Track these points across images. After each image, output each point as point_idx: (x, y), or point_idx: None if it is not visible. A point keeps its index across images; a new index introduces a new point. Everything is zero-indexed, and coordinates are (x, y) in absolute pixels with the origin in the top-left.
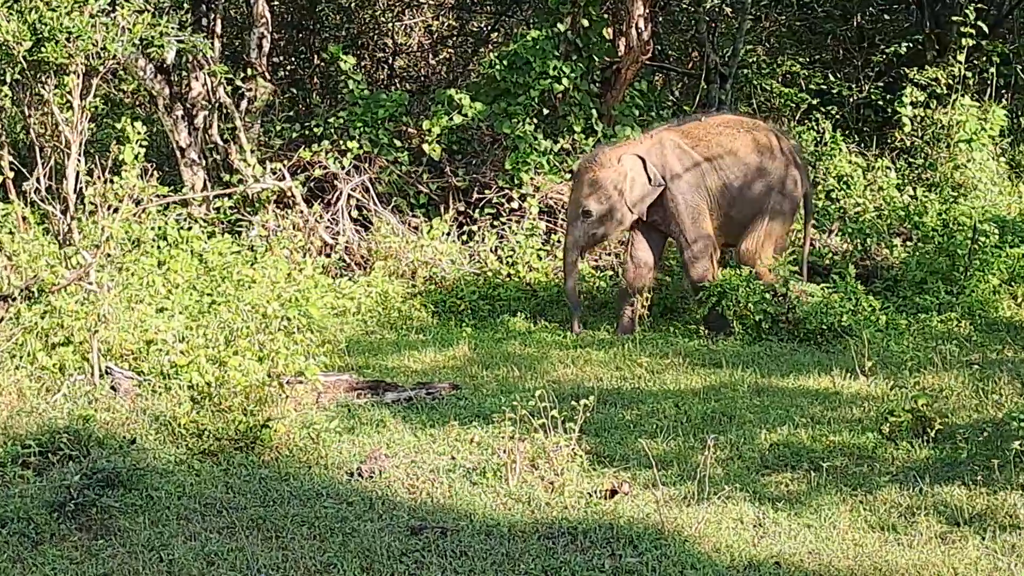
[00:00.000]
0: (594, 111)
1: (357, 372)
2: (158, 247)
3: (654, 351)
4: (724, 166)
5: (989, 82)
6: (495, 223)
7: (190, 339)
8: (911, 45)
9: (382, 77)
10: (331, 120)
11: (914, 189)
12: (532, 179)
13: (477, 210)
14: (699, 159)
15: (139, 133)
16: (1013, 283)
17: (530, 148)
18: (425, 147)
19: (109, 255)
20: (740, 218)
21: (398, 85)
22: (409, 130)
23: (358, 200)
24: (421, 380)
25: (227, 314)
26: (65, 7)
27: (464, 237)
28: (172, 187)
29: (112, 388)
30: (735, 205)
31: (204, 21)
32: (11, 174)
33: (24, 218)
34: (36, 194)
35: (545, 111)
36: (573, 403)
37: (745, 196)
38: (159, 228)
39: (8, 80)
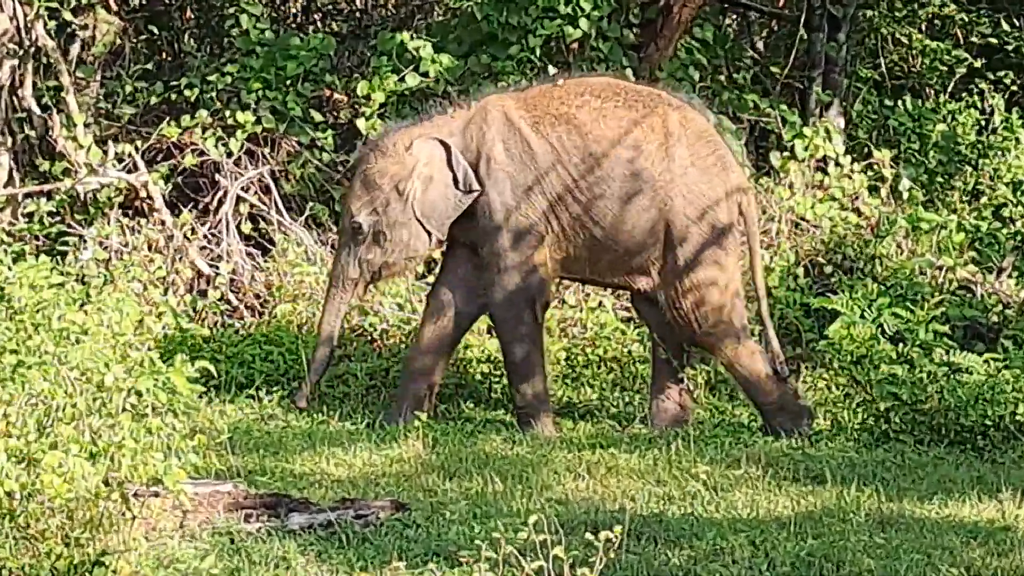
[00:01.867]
0: (629, 71)
1: (246, 480)
2: None
3: (717, 455)
4: (573, 157)
5: None
6: None
7: None
8: None
9: (293, 11)
10: (212, 78)
11: None
12: None
13: None
14: (539, 144)
15: None
16: None
17: None
18: (360, 123)
19: None
20: (607, 246)
21: (319, 25)
22: (336, 96)
23: (253, 206)
24: (347, 495)
25: (42, 383)
26: None
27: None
28: None
29: None
30: (596, 224)
31: None
32: None
33: None
34: None
35: (552, 69)
36: (588, 536)
37: (612, 212)
38: None
39: None
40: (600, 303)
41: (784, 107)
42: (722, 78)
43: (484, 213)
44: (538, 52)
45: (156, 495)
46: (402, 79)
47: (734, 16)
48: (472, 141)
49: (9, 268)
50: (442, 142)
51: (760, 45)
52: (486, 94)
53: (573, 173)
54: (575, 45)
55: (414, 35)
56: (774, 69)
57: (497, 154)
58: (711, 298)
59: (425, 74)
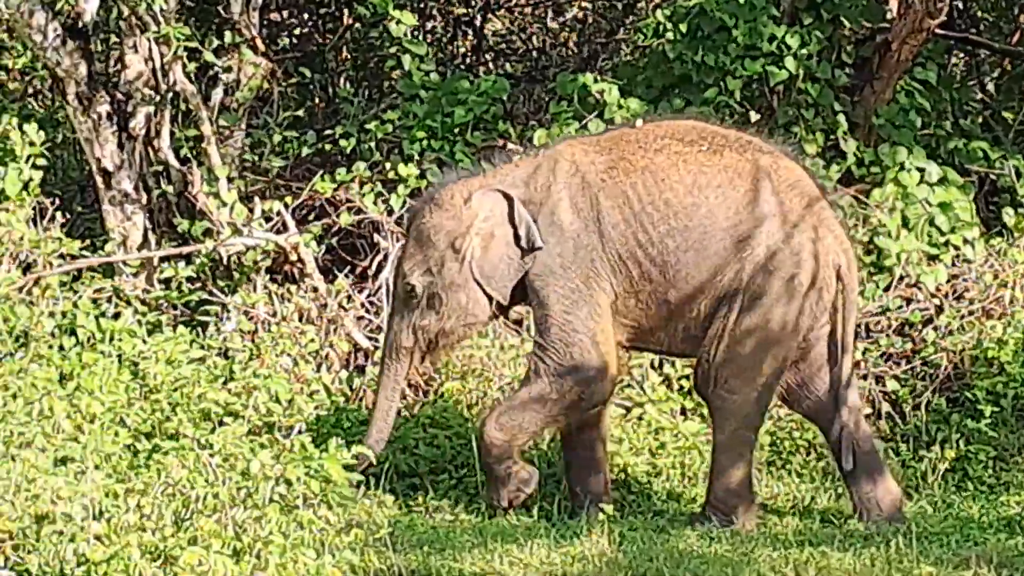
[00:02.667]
0: (841, 116)
1: None
2: (60, 348)
3: (943, 554)
4: (647, 207)
5: None
6: None
7: (114, 515)
8: None
9: (462, 51)
10: (371, 126)
11: None
12: None
13: None
14: (609, 197)
15: (32, 144)
16: None
17: None
18: None
19: None
20: (683, 307)
21: (490, 66)
22: (510, 146)
23: None
24: None
25: (180, 471)
26: None
27: None
28: (88, 241)
29: None
30: (669, 281)
31: None
32: None
33: None
34: None
35: (753, 114)
36: None
37: (689, 266)
38: (64, 315)
39: None
40: None
41: (1019, 157)
42: (947, 124)
43: (540, 272)
44: (738, 95)
45: None
46: (584, 126)
47: (961, 55)
48: (536, 192)
49: (144, 341)
50: (504, 194)
51: (991, 87)
52: (562, 140)
53: (647, 224)
54: (779, 88)
55: (598, 77)
56: (1007, 114)
57: (561, 210)
58: (748, 356)
59: (610, 120)
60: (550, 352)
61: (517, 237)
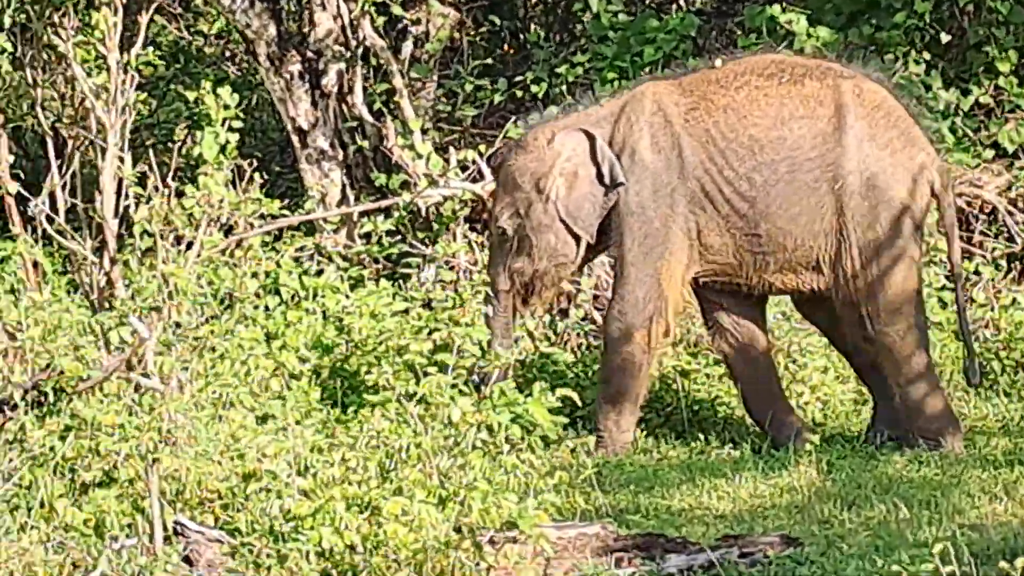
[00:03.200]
0: None
1: (616, 520)
2: (265, 308)
3: None
4: (732, 143)
5: None
6: None
7: (319, 471)
8: None
9: None
10: (561, 70)
11: None
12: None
13: None
14: (691, 137)
15: (227, 108)
16: None
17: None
18: None
19: (178, 325)
20: (774, 239)
21: (679, 3)
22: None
23: None
24: (731, 532)
25: (383, 422)
26: None
27: None
28: (287, 200)
29: (186, 560)
30: (760, 215)
31: None
32: (13, 187)
33: (35, 264)
34: (50, 222)
35: (943, 36)
36: (1003, 565)
37: (779, 198)
38: (267, 275)
39: (5, 24)
40: (1014, 300)
41: None
42: None
43: (620, 212)
44: (928, 17)
45: (514, 541)
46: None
47: None
48: (619, 132)
49: (347, 296)
50: (587, 133)
51: None
52: (644, 80)
53: (733, 161)
54: (969, 7)
55: (786, 7)
56: None
57: (642, 147)
58: (889, 290)
59: (800, 50)
60: (624, 288)
61: (600, 175)
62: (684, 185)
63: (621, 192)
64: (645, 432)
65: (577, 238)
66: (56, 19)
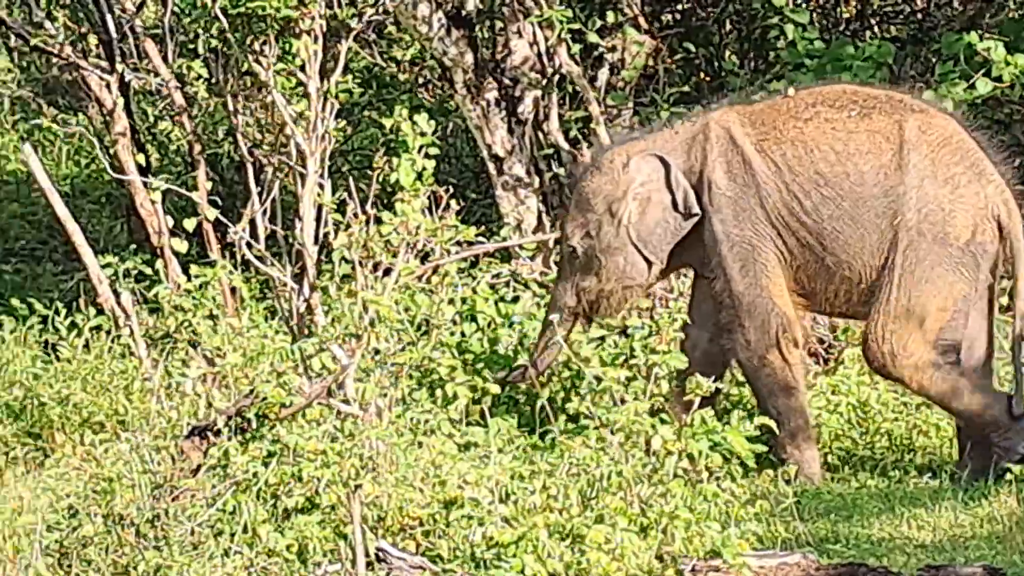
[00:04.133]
0: None
1: (816, 549)
2: (461, 334)
3: None
4: (799, 177)
5: None
6: None
7: (520, 498)
8: None
9: (846, 16)
10: (757, 97)
11: None
12: None
13: None
14: (762, 165)
15: (423, 135)
16: None
17: None
18: None
19: (378, 352)
20: (839, 273)
21: (875, 31)
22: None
23: None
24: (932, 562)
25: (584, 450)
26: None
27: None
28: (483, 227)
29: None
30: (826, 249)
31: None
32: (212, 214)
33: (233, 290)
34: (249, 248)
35: None
36: None
37: (843, 233)
38: (463, 301)
39: (201, 51)
40: None
41: None
42: None
43: (710, 243)
44: None
45: (716, 570)
46: (971, 86)
47: None
48: (696, 161)
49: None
50: (662, 159)
51: None
52: (717, 108)
53: (799, 194)
54: None
55: (983, 35)
56: None
57: (718, 177)
58: (921, 323)
59: (998, 79)
60: (739, 314)
61: (675, 203)
62: (763, 210)
63: (705, 225)
64: (842, 461)
65: (648, 262)
66: (256, 46)
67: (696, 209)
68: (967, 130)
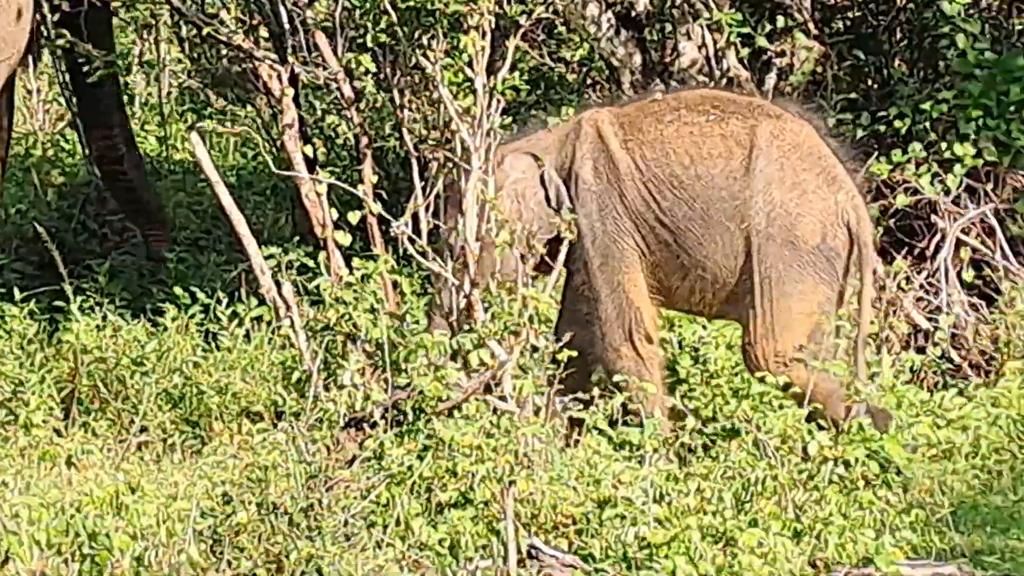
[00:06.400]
0: None
1: (971, 561)
2: None
3: None
4: (657, 177)
5: None
6: None
7: (674, 498)
8: None
9: (1018, 28)
10: (926, 107)
11: None
12: None
13: None
14: (625, 165)
15: None
16: None
17: None
18: None
19: (535, 348)
20: (693, 272)
21: None
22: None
23: (975, 250)
24: None
25: (739, 454)
26: None
27: None
28: None
29: None
30: (681, 248)
31: None
32: (376, 208)
33: (395, 284)
34: (412, 243)
35: None
36: None
37: (696, 234)
38: None
39: (370, 45)
40: None
41: None
42: None
43: (576, 238)
44: None
45: None
46: None
47: None
48: (566, 158)
49: (704, 327)
50: (536, 157)
51: None
52: (592, 109)
53: (656, 194)
54: None
55: None
56: None
57: (585, 173)
58: (787, 328)
59: None
60: (596, 307)
61: (547, 198)
62: (624, 207)
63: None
64: (1001, 474)
65: (522, 257)
66: (424, 41)
67: (568, 203)
68: (822, 136)
